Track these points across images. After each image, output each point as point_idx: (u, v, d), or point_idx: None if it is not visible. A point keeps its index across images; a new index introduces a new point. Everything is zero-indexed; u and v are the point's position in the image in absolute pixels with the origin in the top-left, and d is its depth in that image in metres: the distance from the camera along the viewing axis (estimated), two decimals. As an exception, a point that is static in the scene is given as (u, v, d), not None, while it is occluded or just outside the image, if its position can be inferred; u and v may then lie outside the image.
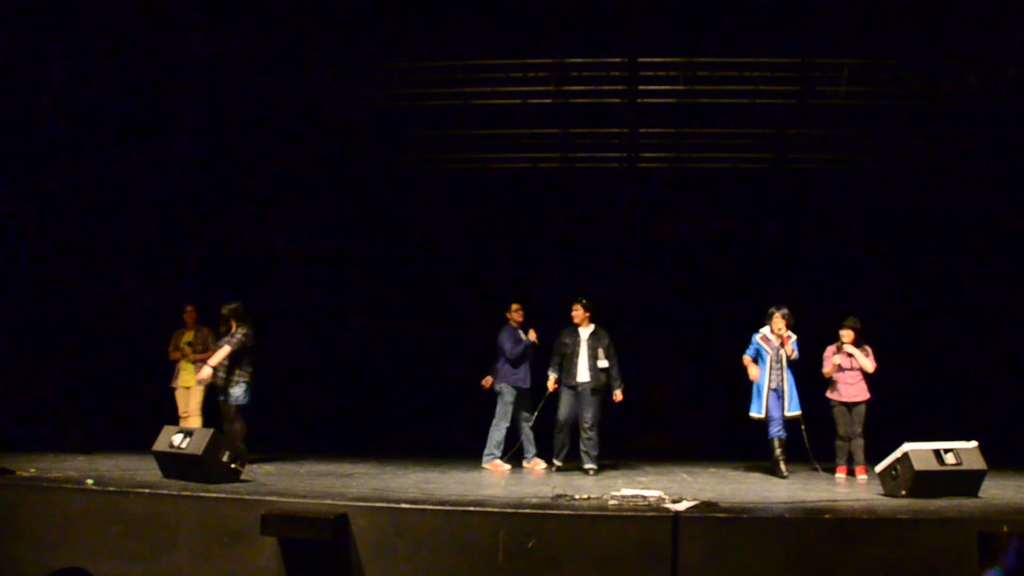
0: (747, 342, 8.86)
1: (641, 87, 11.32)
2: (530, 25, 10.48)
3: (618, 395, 8.99)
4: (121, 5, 9.86)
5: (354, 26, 10.62)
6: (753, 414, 8.71)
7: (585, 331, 9.08)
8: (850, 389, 8.70)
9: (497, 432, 9.21)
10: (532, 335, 9.40)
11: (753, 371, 8.69)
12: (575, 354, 8.98)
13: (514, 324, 9.45)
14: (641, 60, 11.10)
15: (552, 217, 13.05)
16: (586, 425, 8.82)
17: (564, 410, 8.97)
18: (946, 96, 11.16)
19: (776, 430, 8.60)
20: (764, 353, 8.71)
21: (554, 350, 9.16)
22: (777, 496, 7.07)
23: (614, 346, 9.03)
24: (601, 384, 8.90)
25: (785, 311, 8.69)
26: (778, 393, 8.60)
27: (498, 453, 9.20)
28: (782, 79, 11.27)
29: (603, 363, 8.90)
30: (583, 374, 8.92)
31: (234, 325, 8.63)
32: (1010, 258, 11.74)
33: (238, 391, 8.51)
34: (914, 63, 10.96)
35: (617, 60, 11.23)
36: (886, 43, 10.59)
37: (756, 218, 12.68)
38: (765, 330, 8.75)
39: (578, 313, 9.07)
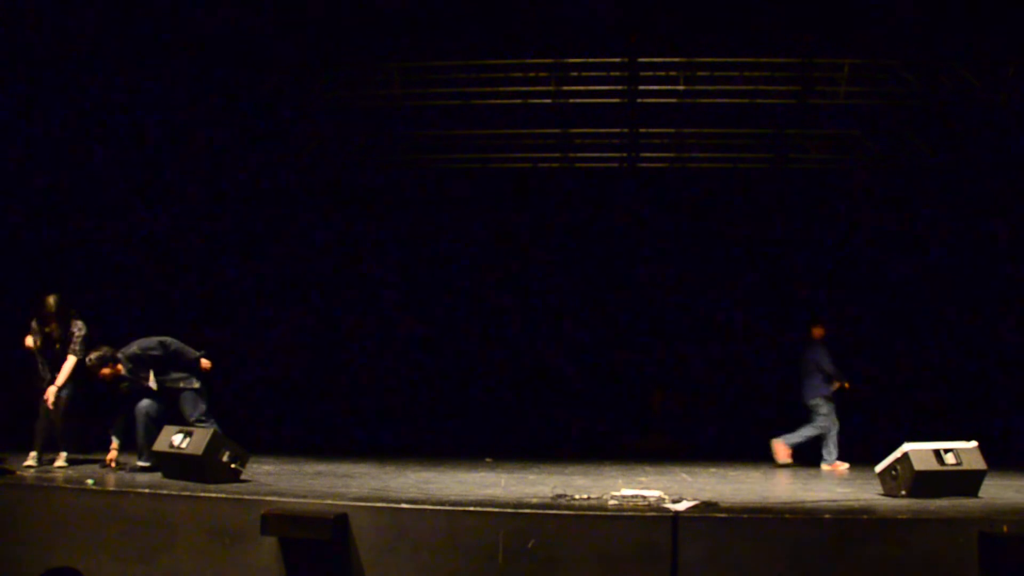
0: (746, 341, 8.77)
1: (641, 87, 11.32)
2: (530, 25, 10.48)
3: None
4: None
5: (354, 26, 10.61)
6: None
7: None
8: None
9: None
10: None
11: None
12: None
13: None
14: (641, 60, 11.11)
15: (552, 217, 13.03)
16: (191, 421, 7.78)
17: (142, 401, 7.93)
18: (946, 96, 11.15)
19: None
20: None
21: None
22: (777, 496, 7.06)
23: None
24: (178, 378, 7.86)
25: None
26: None
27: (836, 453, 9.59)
28: (782, 79, 11.27)
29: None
30: None
31: (65, 321, 7.87)
32: (1009, 258, 11.74)
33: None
34: (914, 63, 10.96)
35: (617, 60, 11.23)
36: (886, 43, 10.59)
37: (756, 218, 12.66)
38: None
39: None
